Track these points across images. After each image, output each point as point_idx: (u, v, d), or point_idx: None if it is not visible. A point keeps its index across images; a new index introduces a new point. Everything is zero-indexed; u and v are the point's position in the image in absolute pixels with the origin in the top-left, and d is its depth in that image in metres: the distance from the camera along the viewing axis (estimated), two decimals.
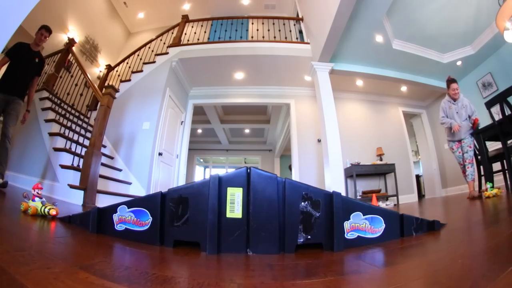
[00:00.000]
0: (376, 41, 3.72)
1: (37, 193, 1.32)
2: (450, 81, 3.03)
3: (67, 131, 2.98)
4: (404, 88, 5.12)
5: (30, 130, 3.24)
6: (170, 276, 0.57)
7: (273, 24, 4.77)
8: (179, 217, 0.90)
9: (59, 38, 4.93)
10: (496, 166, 2.80)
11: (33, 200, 1.29)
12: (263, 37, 4.43)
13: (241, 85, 4.94)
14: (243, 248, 0.84)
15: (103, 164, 2.95)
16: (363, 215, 0.92)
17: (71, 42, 3.97)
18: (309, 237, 0.86)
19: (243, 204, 0.87)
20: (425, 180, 5.81)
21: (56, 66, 3.87)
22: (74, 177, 2.48)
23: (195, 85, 5.00)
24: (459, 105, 2.96)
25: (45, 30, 2.68)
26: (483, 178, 2.91)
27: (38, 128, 3.12)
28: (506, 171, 2.69)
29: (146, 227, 0.93)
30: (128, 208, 0.96)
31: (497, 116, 2.55)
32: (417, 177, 5.87)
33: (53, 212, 1.23)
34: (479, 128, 2.85)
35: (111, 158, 3.54)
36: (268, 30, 4.62)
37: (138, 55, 4.69)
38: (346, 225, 0.90)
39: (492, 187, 2.48)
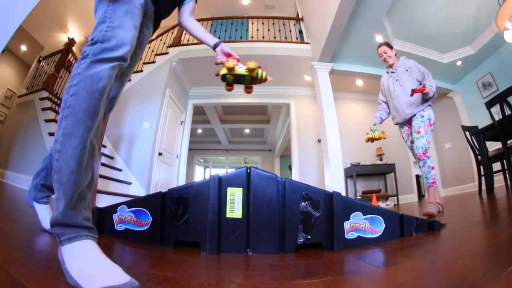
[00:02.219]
0: (376, 41, 3.72)
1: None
2: (377, 48, 2.26)
3: None
4: None
5: (30, 130, 3.25)
6: (170, 276, 0.57)
7: (273, 24, 4.77)
8: (179, 217, 0.90)
9: (59, 38, 4.94)
10: (496, 166, 2.80)
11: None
12: (263, 37, 4.44)
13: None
14: (243, 248, 0.84)
15: (103, 164, 2.95)
16: (363, 215, 0.92)
17: (71, 42, 3.97)
18: (309, 237, 0.86)
19: (243, 204, 0.86)
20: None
21: (56, 66, 3.87)
22: None
23: (195, 85, 5.00)
24: (398, 70, 2.11)
25: None
26: (483, 178, 2.90)
27: (38, 128, 3.12)
28: (506, 171, 2.68)
29: (146, 227, 0.93)
30: (128, 208, 0.96)
31: (497, 116, 2.55)
32: (417, 177, 5.87)
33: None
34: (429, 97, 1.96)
35: (111, 158, 3.54)
36: (268, 30, 4.62)
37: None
38: (346, 225, 0.90)
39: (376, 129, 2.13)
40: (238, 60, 1.00)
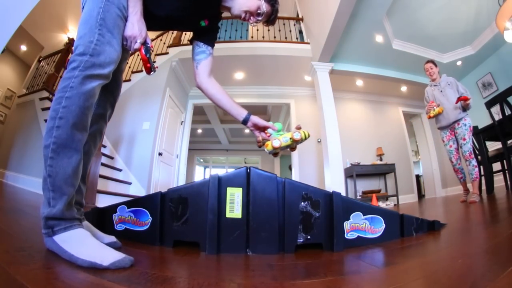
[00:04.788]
0: (376, 41, 3.72)
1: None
2: (425, 64, 2.85)
3: None
4: (404, 88, 5.12)
5: (30, 130, 3.25)
6: (170, 276, 0.57)
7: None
8: (179, 217, 0.90)
9: (59, 38, 4.94)
10: (496, 166, 2.80)
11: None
12: (263, 37, 4.43)
13: (241, 85, 4.93)
14: (243, 248, 0.84)
15: (103, 164, 2.95)
16: (363, 215, 0.92)
17: (71, 42, 3.97)
18: (309, 237, 0.86)
19: (242, 204, 0.86)
20: (425, 180, 5.80)
21: (56, 66, 3.88)
22: None
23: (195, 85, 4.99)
24: (442, 84, 2.67)
25: None
26: (483, 178, 2.90)
27: (38, 128, 3.12)
28: (506, 171, 2.68)
29: (146, 227, 0.93)
30: (128, 208, 0.96)
31: (497, 116, 2.55)
32: (417, 177, 5.87)
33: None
34: (468, 108, 2.46)
35: (111, 158, 3.54)
36: (268, 30, 4.62)
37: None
38: (346, 225, 0.90)
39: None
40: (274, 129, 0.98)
